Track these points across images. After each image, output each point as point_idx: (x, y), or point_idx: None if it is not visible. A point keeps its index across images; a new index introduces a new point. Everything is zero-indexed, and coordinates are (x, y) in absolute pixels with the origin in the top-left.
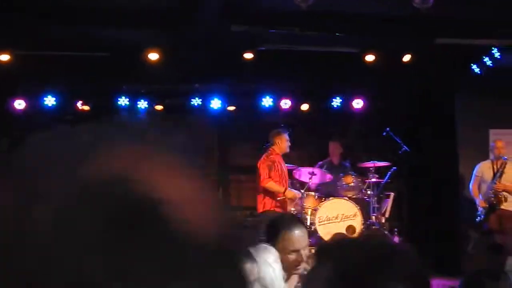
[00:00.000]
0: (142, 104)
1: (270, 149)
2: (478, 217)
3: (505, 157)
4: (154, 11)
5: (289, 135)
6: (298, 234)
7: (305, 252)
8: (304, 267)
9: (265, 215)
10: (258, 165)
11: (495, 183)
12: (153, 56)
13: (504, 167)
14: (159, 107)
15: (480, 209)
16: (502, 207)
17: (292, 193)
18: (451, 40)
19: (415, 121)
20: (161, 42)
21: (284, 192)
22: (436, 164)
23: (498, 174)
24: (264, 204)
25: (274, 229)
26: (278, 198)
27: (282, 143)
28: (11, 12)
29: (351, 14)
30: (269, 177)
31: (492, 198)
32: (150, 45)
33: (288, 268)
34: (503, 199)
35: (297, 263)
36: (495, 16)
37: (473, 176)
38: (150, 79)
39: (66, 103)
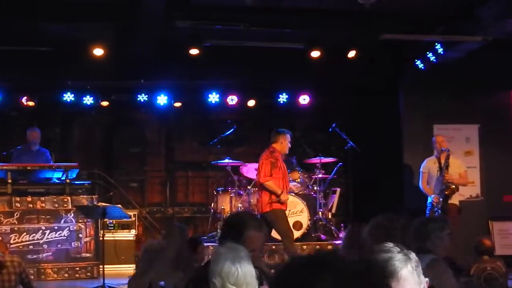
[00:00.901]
0: (88, 100)
1: (272, 146)
2: (436, 213)
3: (447, 149)
4: (98, 5)
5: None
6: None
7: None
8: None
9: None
10: (261, 160)
11: (444, 176)
12: (98, 51)
13: (448, 158)
14: (105, 103)
15: (429, 204)
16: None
17: (286, 196)
18: (395, 36)
19: (360, 117)
20: (106, 37)
21: (280, 195)
22: (381, 159)
23: (444, 167)
24: (262, 202)
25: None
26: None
27: (285, 143)
28: None
29: (296, 10)
30: (270, 175)
31: (446, 192)
32: (95, 40)
33: None
34: (455, 189)
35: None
36: (438, 12)
37: (420, 174)
38: (96, 75)
39: (11, 98)
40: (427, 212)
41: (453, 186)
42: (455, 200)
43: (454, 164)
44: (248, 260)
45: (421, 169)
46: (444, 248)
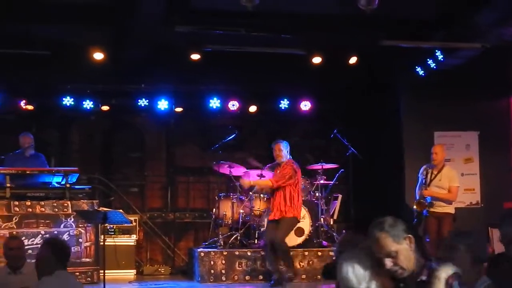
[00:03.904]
0: (88, 104)
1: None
2: (414, 220)
3: (432, 165)
4: (98, 9)
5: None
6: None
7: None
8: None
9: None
10: (285, 164)
11: (422, 190)
12: (98, 55)
13: (439, 172)
14: (105, 108)
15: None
16: (434, 209)
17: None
18: (396, 42)
19: (361, 123)
20: (105, 41)
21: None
22: (382, 166)
23: (428, 181)
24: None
25: None
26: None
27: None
28: None
29: (297, 15)
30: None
31: (415, 205)
32: (95, 44)
33: None
34: (427, 206)
35: None
36: (438, 18)
37: (419, 177)
38: (96, 79)
39: (9, 102)
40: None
41: (426, 204)
42: (449, 208)
43: (447, 176)
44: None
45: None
46: None
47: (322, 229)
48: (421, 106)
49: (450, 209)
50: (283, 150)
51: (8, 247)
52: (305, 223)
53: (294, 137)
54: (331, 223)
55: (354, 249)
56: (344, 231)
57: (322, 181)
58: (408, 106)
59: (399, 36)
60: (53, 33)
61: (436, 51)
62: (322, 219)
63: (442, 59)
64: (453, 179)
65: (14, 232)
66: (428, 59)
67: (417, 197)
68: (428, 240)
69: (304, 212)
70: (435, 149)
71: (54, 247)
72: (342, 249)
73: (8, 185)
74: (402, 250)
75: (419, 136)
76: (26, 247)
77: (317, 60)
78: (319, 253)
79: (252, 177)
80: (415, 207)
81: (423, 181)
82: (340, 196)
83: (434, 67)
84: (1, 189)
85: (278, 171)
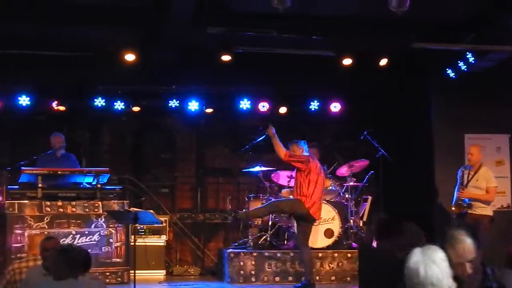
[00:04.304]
0: (119, 105)
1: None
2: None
3: (469, 166)
4: (130, 11)
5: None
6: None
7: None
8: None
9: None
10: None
11: (460, 191)
12: (130, 57)
13: (476, 173)
14: (136, 108)
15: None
16: (471, 211)
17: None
18: (426, 45)
19: (392, 125)
20: (137, 43)
21: None
22: (412, 168)
23: (465, 182)
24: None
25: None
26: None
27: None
28: None
29: (328, 17)
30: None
31: (453, 207)
32: (127, 46)
33: None
34: (464, 206)
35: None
36: (470, 21)
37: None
38: (127, 80)
39: (41, 103)
40: None
41: (465, 205)
42: (487, 210)
43: (484, 177)
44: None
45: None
46: None
47: (351, 230)
48: (451, 108)
49: (488, 211)
50: (297, 150)
51: (43, 248)
52: (335, 225)
53: (324, 139)
54: (361, 224)
55: (430, 245)
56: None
57: (352, 183)
58: (438, 108)
59: (430, 38)
60: (86, 34)
61: (467, 53)
62: (351, 220)
63: (473, 62)
64: (490, 179)
65: (45, 232)
66: (459, 62)
67: (455, 199)
68: None
69: (333, 213)
70: (470, 150)
71: (63, 255)
72: (381, 236)
73: (40, 185)
74: (476, 257)
75: (450, 138)
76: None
77: (347, 61)
78: (349, 255)
79: (277, 146)
80: (453, 209)
81: (461, 183)
82: (370, 198)
83: (465, 69)
84: (33, 189)
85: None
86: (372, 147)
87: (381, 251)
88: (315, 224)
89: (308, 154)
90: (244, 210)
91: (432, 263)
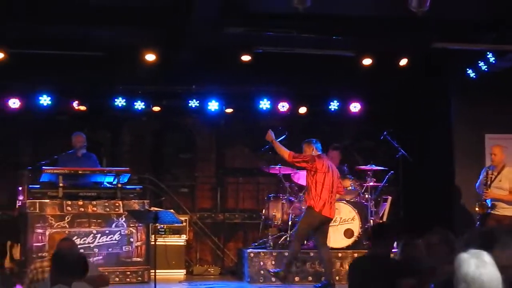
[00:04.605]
0: (139, 105)
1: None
2: (477, 223)
3: (492, 167)
4: (150, 11)
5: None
6: None
7: None
8: None
9: None
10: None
11: (483, 192)
12: (150, 57)
13: (499, 174)
14: (156, 108)
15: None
16: (494, 212)
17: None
18: (447, 45)
19: (411, 125)
20: (157, 43)
21: None
22: (432, 168)
23: (489, 183)
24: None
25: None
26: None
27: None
28: (6, 11)
29: (348, 17)
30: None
31: (477, 208)
32: (147, 46)
33: None
34: (487, 207)
35: None
36: (490, 21)
37: (479, 177)
38: (147, 80)
39: (62, 102)
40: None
41: (485, 203)
42: (510, 211)
43: (507, 177)
44: (493, 264)
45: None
46: None
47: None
48: (472, 108)
49: (511, 212)
50: (307, 151)
51: (58, 248)
52: (355, 225)
53: (343, 139)
54: None
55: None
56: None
57: (371, 183)
58: (459, 108)
59: (450, 38)
60: (107, 34)
61: (488, 53)
62: (371, 221)
63: (493, 62)
64: None
65: (66, 232)
66: (479, 62)
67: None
68: None
69: (353, 213)
70: (494, 150)
71: (54, 259)
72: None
73: (61, 185)
74: None
75: (470, 139)
76: (78, 246)
77: (367, 61)
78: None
79: (279, 149)
80: (477, 209)
81: (484, 183)
82: (389, 198)
83: (486, 69)
84: (54, 189)
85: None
86: (392, 147)
87: (375, 255)
88: (335, 224)
89: (319, 152)
90: (280, 270)
91: (491, 267)
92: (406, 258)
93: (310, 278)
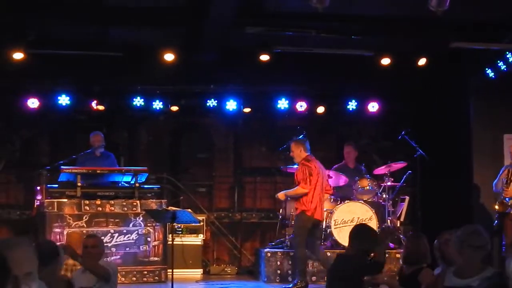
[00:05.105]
0: (157, 104)
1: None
2: (495, 221)
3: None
4: (168, 11)
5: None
6: None
7: None
8: None
9: None
10: (300, 166)
11: (503, 189)
12: (169, 56)
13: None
14: (174, 108)
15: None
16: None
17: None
18: (465, 44)
19: (430, 125)
20: (175, 43)
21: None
22: (450, 168)
23: (509, 181)
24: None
25: None
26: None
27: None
28: (25, 11)
29: (366, 17)
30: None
31: (496, 206)
32: (165, 46)
33: None
34: (508, 205)
35: None
36: (509, 20)
37: (498, 175)
38: (165, 80)
39: (80, 102)
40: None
41: (508, 204)
42: None
43: None
44: None
45: (500, 172)
46: None
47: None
48: (490, 108)
49: None
50: (295, 151)
51: (84, 245)
52: (372, 225)
53: (361, 139)
54: (398, 225)
55: None
56: (410, 232)
57: (389, 183)
58: (477, 108)
59: (469, 38)
60: (125, 34)
61: (507, 53)
62: (388, 220)
63: None
64: None
65: (84, 231)
66: (498, 61)
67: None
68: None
69: (371, 213)
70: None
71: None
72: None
73: (79, 184)
74: None
75: (488, 138)
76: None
77: (385, 61)
78: (386, 255)
79: (294, 194)
80: (496, 207)
81: (505, 181)
82: (407, 198)
83: (505, 69)
84: (72, 188)
85: (296, 175)
86: (410, 147)
87: (346, 254)
88: (352, 223)
89: (308, 153)
90: (297, 281)
91: None
92: (409, 253)
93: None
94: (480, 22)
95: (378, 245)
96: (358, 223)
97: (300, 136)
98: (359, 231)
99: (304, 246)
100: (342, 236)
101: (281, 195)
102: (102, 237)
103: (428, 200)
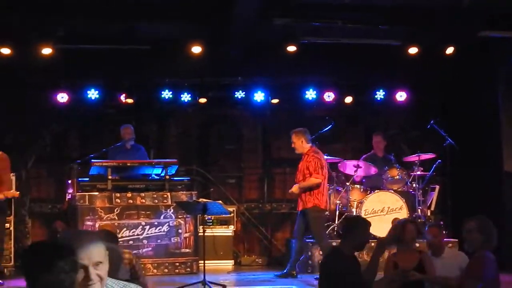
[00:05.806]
0: (186, 97)
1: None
2: None
3: None
4: (195, 4)
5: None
6: None
7: None
8: None
9: None
10: (307, 157)
11: None
12: (196, 49)
13: None
14: (202, 100)
15: None
16: None
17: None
18: (494, 33)
19: (459, 114)
20: (203, 35)
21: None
22: (480, 156)
23: None
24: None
25: None
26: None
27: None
28: (53, 7)
29: (394, 7)
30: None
31: None
32: (193, 38)
33: None
34: None
35: None
36: None
37: None
38: (193, 72)
39: (109, 96)
40: None
41: None
42: None
43: None
44: None
45: None
46: None
47: (419, 220)
48: None
49: None
50: (296, 142)
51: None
52: (402, 214)
53: (389, 128)
54: (428, 214)
55: None
56: (441, 222)
57: (419, 172)
58: (506, 96)
59: (497, 26)
60: (153, 28)
61: None
62: (419, 210)
63: None
64: None
65: (116, 224)
66: None
67: None
68: None
69: (401, 203)
70: None
71: None
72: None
73: (110, 177)
74: None
75: None
76: (127, 237)
77: (413, 50)
78: (417, 245)
79: (308, 184)
80: None
81: None
82: (437, 187)
83: None
84: (103, 181)
85: (304, 166)
86: (439, 137)
87: (335, 248)
88: (382, 213)
89: (310, 144)
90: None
91: None
92: (393, 239)
93: None
94: (508, 10)
95: (389, 243)
96: (347, 215)
97: (328, 126)
98: (353, 224)
99: (326, 238)
100: (373, 226)
101: (294, 188)
102: (134, 230)
103: (458, 189)
